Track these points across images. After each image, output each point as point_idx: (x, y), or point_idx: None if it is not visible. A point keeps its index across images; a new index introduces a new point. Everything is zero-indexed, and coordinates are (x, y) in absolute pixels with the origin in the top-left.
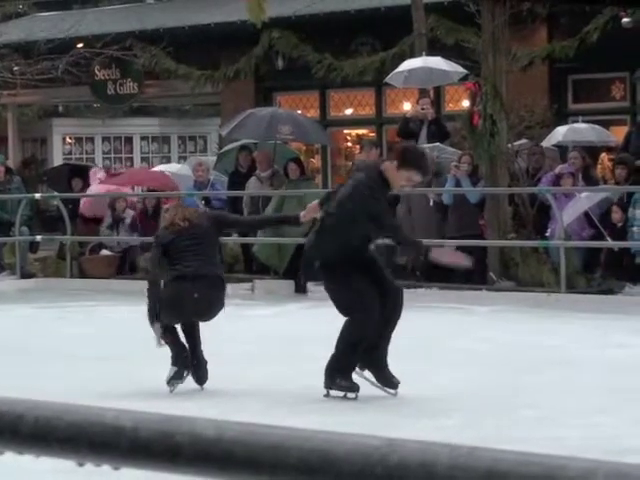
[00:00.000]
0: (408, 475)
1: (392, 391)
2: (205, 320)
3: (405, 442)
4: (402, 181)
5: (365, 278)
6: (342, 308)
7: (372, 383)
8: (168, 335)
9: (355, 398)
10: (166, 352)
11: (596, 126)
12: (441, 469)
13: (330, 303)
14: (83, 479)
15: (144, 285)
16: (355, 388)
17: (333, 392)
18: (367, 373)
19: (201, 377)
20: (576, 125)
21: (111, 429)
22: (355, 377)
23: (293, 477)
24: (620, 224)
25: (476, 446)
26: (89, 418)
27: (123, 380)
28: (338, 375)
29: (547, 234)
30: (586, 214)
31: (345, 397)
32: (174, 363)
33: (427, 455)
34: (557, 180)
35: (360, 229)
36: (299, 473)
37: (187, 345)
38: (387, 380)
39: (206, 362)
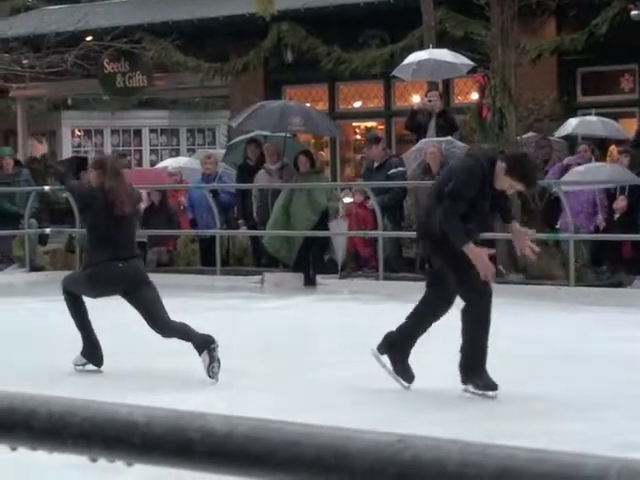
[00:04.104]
0: (421, 471)
1: (406, 384)
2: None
3: (418, 439)
4: (504, 185)
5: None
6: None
7: (387, 370)
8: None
9: (494, 397)
10: (176, 345)
11: (606, 119)
12: (453, 466)
13: (339, 296)
14: (97, 475)
15: (153, 278)
16: (492, 386)
17: (471, 389)
18: (385, 358)
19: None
20: (587, 118)
21: (124, 425)
22: (374, 360)
23: (306, 473)
24: (619, 213)
25: (489, 443)
26: (102, 414)
27: (134, 373)
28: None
29: (557, 226)
30: (594, 204)
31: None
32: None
33: (440, 452)
34: (565, 171)
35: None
36: (312, 469)
37: None
38: (405, 372)
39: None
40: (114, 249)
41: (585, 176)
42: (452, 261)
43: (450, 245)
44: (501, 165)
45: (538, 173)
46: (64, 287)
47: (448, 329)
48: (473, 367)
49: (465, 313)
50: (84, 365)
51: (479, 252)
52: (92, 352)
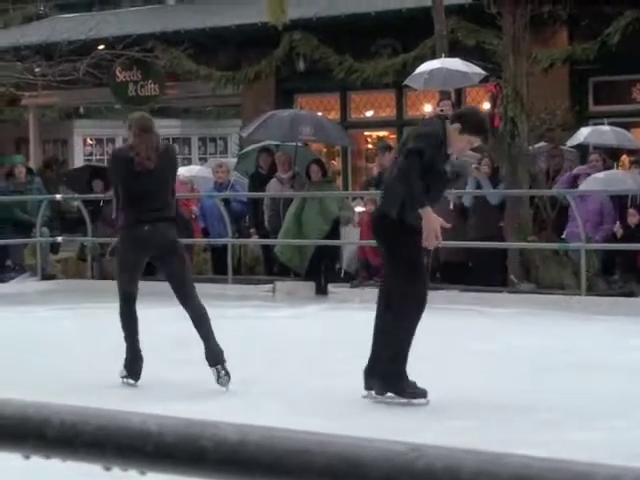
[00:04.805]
0: None
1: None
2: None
3: (431, 448)
4: (462, 144)
5: None
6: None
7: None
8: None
9: (426, 404)
10: (188, 354)
11: (617, 129)
12: (467, 475)
13: (350, 305)
14: None
15: (166, 287)
16: (421, 393)
17: (392, 398)
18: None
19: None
20: (599, 127)
21: (137, 433)
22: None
23: None
24: (633, 226)
25: (502, 452)
26: (115, 422)
27: (147, 382)
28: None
29: (563, 236)
30: (601, 213)
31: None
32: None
33: (453, 461)
34: (574, 180)
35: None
36: (323, 477)
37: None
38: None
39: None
40: (138, 211)
41: (607, 183)
42: (396, 247)
43: (398, 230)
44: (454, 126)
45: (487, 124)
46: (118, 291)
47: (462, 341)
48: (392, 371)
49: (390, 304)
50: (126, 377)
51: (434, 218)
52: (131, 364)
